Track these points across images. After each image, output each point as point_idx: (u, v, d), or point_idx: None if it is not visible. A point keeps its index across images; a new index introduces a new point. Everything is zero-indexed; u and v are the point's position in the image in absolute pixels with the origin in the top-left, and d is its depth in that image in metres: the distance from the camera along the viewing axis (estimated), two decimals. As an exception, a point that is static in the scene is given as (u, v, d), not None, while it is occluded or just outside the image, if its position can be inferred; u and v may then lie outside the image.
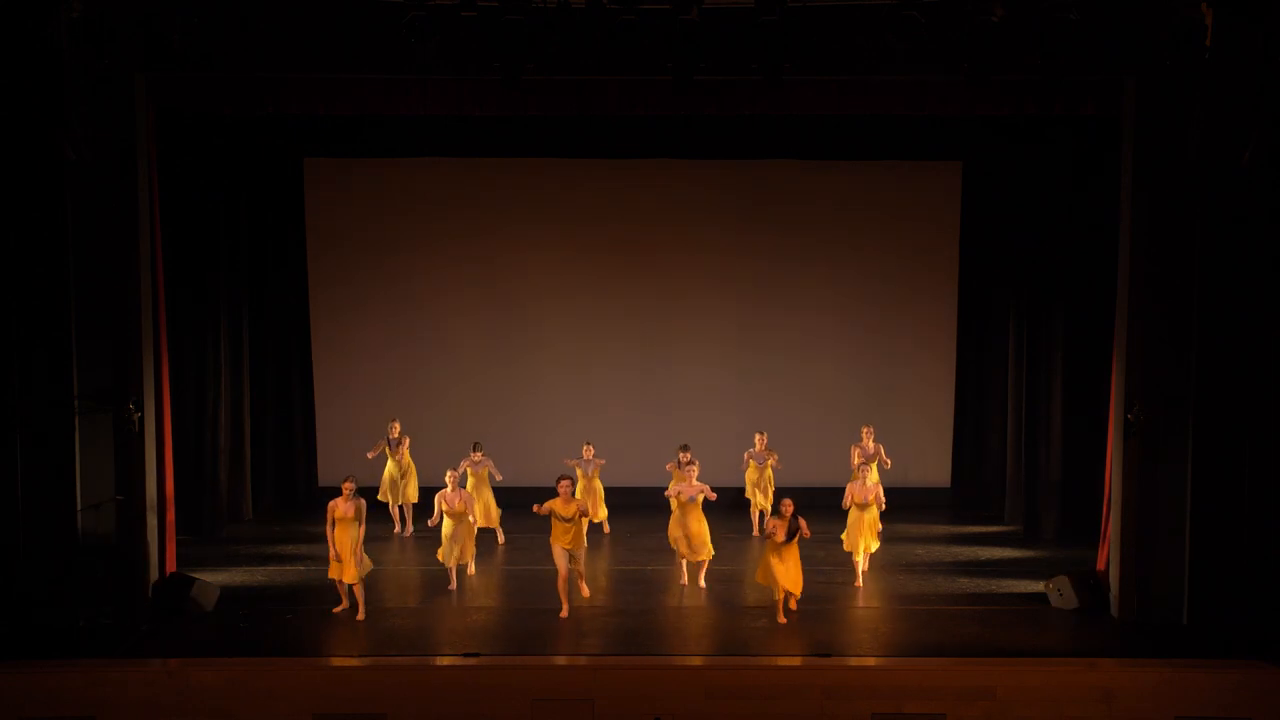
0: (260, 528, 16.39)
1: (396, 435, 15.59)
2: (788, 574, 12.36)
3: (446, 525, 13.29)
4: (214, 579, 13.29)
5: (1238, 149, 11.50)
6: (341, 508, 12.38)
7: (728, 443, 16.18)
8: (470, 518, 13.43)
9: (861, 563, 13.70)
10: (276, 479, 17.46)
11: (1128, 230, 12.69)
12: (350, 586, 12.51)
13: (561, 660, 11.44)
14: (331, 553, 12.39)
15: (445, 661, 11.36)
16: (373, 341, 17.51)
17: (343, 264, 17.35)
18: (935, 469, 17.54)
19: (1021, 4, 11.39)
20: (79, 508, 12.23)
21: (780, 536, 12.29)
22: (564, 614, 12.43)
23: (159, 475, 12.91)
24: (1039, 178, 15.73)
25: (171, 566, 13.13)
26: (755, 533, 15.63)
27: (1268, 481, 12.11)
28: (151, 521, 12.76)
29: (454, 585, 13.44)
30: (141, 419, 12.51)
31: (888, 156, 16.93)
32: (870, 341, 17.50)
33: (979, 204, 17.05)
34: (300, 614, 12.67)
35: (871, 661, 11.46)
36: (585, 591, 12.72)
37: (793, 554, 12.40)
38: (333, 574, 12.50)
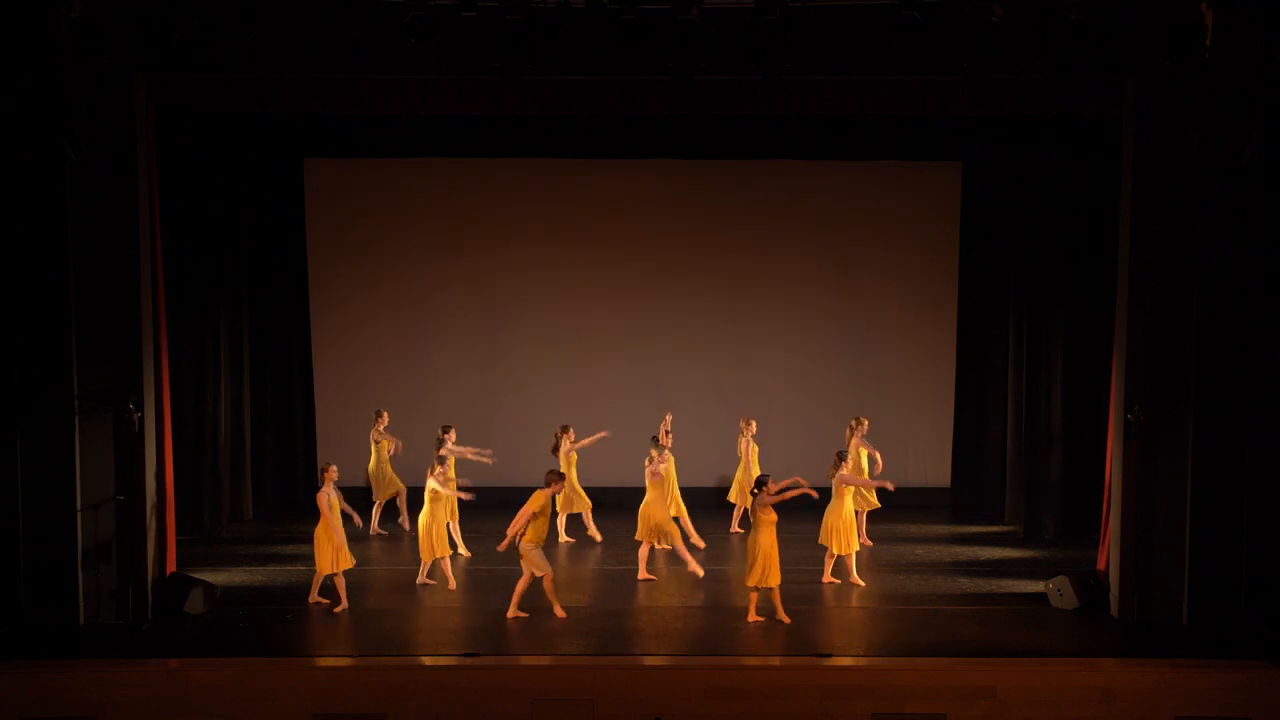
0: (260, 528, 16.39)
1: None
2: (776, 568, 12.26)
3: (424, 515, 13.33)
4: (214, 579, 13.28)
5: (1238, 149, 11.50)
6: (333, 496, 12.56)
7: (727, 442, 16.16)
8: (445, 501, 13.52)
9: (848, 560, 13.62)
10: (276, 479, 17.45)
11: (1128, 230, 12.69)
12: (333, 578, 12.66)
13: (561, 660, 11.43)
14: (336, 541, 12.49)
15: (445, 661, 11.37)
16: (373, 341, 17.50)
17: (342, 264, 17.35)
18: (935, 469, 17.53)
19: (1021, 4, 11.40)
20: (79, 508, 12.25)
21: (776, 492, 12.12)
22: (562, 615, 12.41)
23: (159, 475, 12.92)
24: (1039, 178, 15.72)
25: (171, 566, 13.13)
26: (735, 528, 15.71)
27: (1268, 481, 12.13)
28: (151, 521, 12.76)
29: (452, 585, 13.44)
30: (141, 419, 12.51)
31: (888, 156, 16.93)
32: (870, 341, 17.49)
33: (979, 204, 17.05)
34: (300, 614, 12.67)
35: (871, 661, 11.46)
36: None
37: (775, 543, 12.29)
38: (332, 568, 12.56)
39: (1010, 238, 16.49)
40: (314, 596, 12.84)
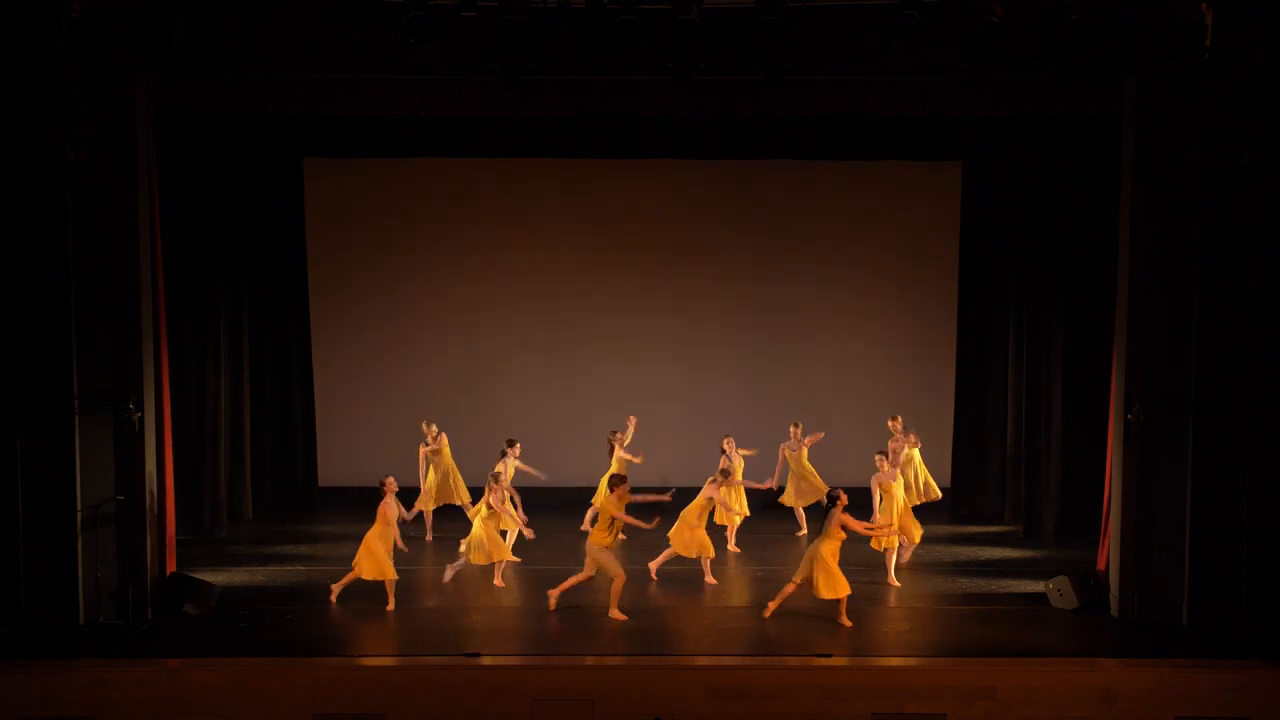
0: (260, 528, 16.38)
1: (434, 436, 15.40)
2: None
3: (482, 526, 13.42)
4: (214, 579, 13.28)
5: (1238, 149, 11.50)
6: (394, 508, 12.72)
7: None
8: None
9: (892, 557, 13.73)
10: (276, 479, 17.43)
11: (1127, 230, 12.70)
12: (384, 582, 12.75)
13: (561, 660, 11.43)
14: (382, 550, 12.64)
15: (445, 661, 11.36)
16: (373, 341, 17.49)
17: (343, 264, 17.34)
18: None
19: (1021, 4, 11.40)
20: (79, 508, 12.24)
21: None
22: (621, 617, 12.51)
23: (159, 475, 12.92)
24: (1039, 178, 15.72)
25: (171, 566, 13.13)
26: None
27: (1268, 481, 12.13)
28: (151, 521, 12.75)
29: (500, 582, 13.56)
30: (141, 419, 12.51)
31: (888, 156, 16.92)
32: (870, 341, 17.49)
33: (979, 204, 17.04)
34: (300, 614, 12.67)
35: (871, 661, 11.47)
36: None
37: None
38: (375, 574, 12.65)
39: (1010, 238, 16.49)
40: (336, 594, 12.82)
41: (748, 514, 15.05)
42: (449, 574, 13.56)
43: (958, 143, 16.52)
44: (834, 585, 12.16)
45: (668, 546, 13.53)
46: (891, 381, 17.43)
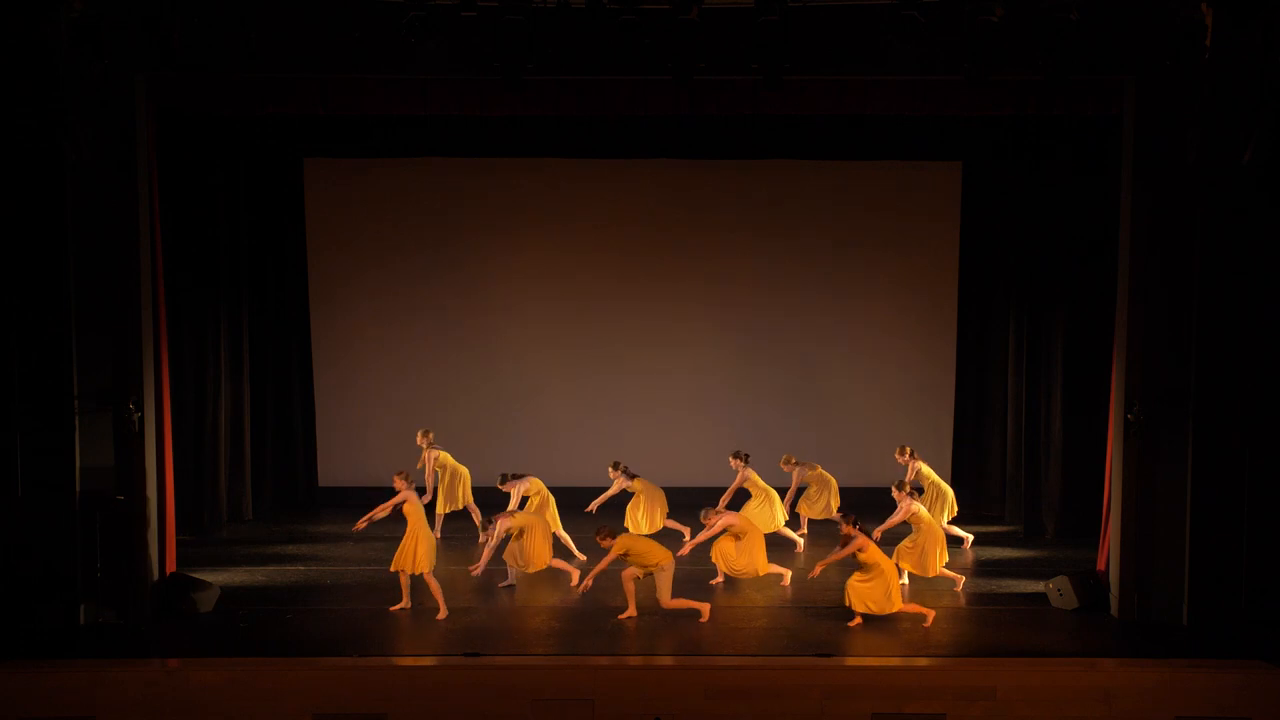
0: (260, 528, 16.39)
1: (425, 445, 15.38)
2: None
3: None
4: (214, 579, 13.28)
5: (1238, 149, 11.50)
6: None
7: (723, 443, 16.16)
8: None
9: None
10: (276, 479, 17.44)
11: (1128, 230, 12.70)
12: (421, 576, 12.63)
13: (561, 660, 11.43)
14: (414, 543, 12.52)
15: (445, 661, 11.37)
16: (373, 341, 17.50)
17: (343, 264, 17.35)
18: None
19: (1021, 4, 11.40)
20: (79, 508, 12.24)
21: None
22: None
23: (159, 475, 12.91)
24: (1039, 178, 15.73)
25: (171, 566, 13.13)
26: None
27: (1268, 481, 12.13)
28: (151, 521, 12.75)
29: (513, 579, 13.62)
30: (141, 419, 12.51)
31: (888, 156, 16.91)
32: (869, 342, 17.49)
33: (979, 204, 17.04)
34: (300, 614, 12.67)
35: (871, 661, 11.47)
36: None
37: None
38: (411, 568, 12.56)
39: (1010, 238, 16.48)
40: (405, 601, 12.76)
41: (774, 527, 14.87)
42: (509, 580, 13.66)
43: (958, 143, 16.52)
44: (863, 597, 12.21)
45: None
46: (891, 381, 17.44)
